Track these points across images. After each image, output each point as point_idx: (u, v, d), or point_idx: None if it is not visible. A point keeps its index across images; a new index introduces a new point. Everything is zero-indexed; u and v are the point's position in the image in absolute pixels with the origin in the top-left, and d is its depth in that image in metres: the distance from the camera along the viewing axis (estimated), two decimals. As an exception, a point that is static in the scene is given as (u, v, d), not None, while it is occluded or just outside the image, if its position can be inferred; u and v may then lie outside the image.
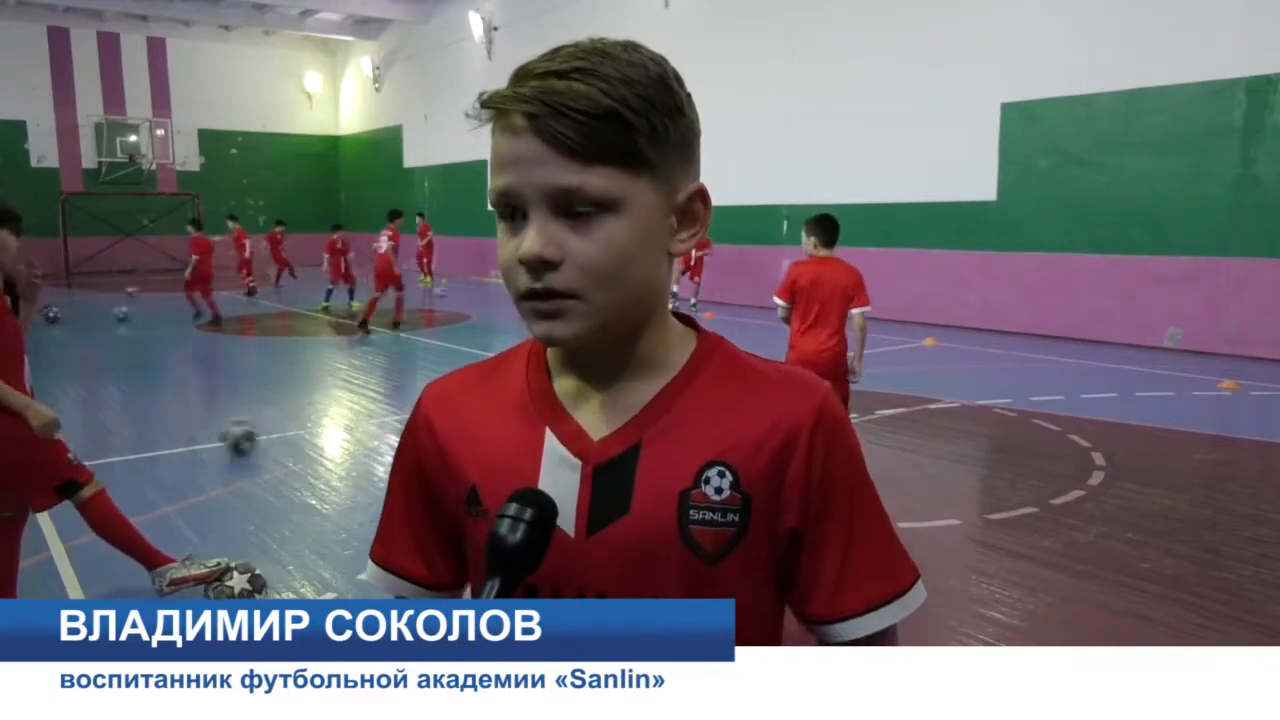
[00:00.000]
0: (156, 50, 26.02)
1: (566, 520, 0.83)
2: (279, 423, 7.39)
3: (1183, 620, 3.67)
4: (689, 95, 0.87)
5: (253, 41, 27.26)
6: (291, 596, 3.98)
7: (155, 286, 21.15)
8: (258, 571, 3.89)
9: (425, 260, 20.52)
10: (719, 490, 0.85)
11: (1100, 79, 11.07)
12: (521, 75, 0.81)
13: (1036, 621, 3.70)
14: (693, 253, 15.34)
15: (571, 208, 0.80)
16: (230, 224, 18.72)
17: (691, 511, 0.85)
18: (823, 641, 0.91)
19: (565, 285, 0.81)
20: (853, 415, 6.63)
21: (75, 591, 4.05)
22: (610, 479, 0.86)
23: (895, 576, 0.90)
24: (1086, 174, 11.37)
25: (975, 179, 12.52)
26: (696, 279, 14.99)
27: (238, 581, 3.74)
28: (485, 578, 0.76)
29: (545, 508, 0.79)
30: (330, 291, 15.97)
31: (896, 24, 13.24)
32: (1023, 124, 11.98)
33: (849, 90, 13.90)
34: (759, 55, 15.25)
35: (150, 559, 3.72)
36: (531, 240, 0.80)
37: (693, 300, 14.93)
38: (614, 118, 0.79)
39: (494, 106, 0.82)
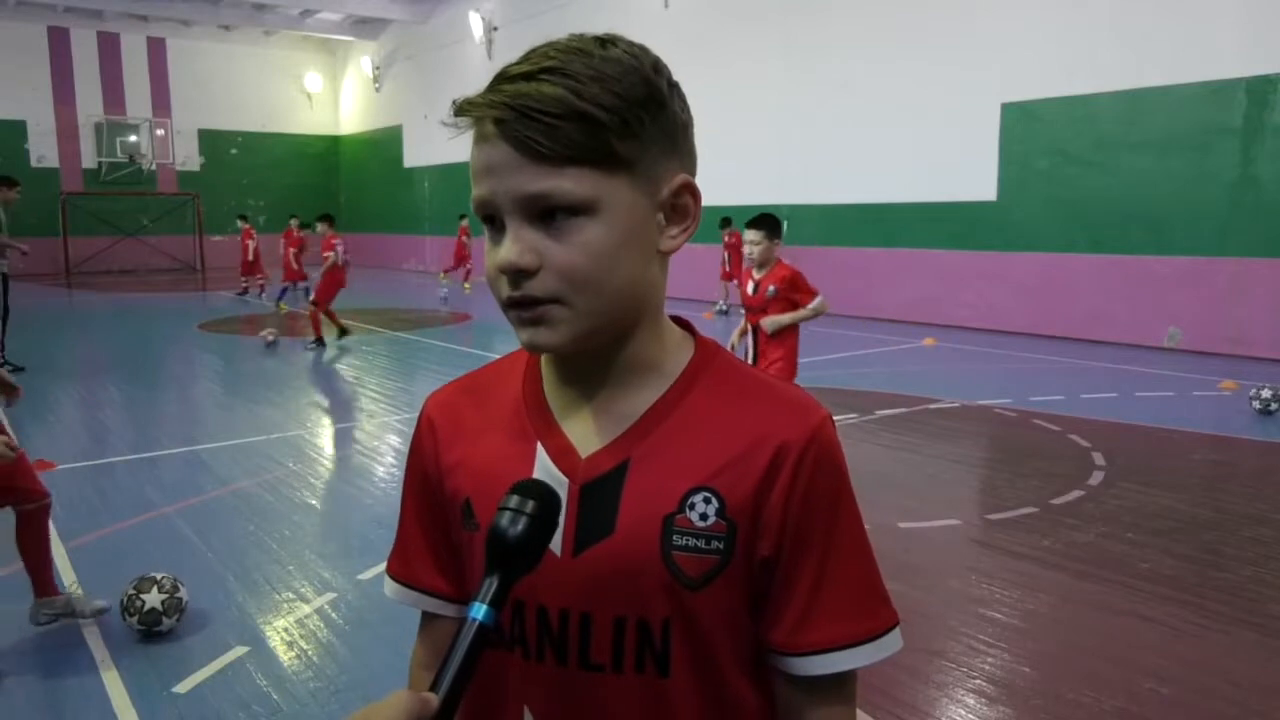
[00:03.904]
0: (156, 50, 26.02)
1: (554, 538, 0.80)
2: (279, 423, 7.39)
3: (1183, 620, 3.66)
4: (674, 86, 0.84)
5: (253, 41, 27.27)
6: (291, 596, 3.98)
7: (156, 286, 21.15)
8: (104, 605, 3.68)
9: (464, 268, 19.00)
10: (704, 517, 0.83)
11: (1100, 79, 11.07)
12: (496, 80, 0.80)
13: (1036, 621, 3.70)
14: (725, 256, 15.02)
15: (545, 213, 0.78)
16: (239, 223, 18.71)
17: (675, 537, 0.83)
18: (782, 674, 0.87)
19: (545, 292, 0.79)
20: (853, 415, 6.63)
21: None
22: (597, 498, 0.85)
23: (868, 618, 0.86)
24: (1086, 174, 11.37)
25: (975, 179, 12.52)
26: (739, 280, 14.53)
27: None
28: (484, 574, 0.74)
29: (547, 500, 0.76)
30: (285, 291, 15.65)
31: (896, 24, 13.24)
32: (1023, 124, 11.98)
33: (849, 90, 13.90)
34: (759, 55, 15.25)
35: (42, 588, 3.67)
36: (507, 249, 0.79)
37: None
38: (583, 118, 0.77)
39: (465, 114, 0.81)
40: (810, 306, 4.86)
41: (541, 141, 0.76)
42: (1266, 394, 7.20)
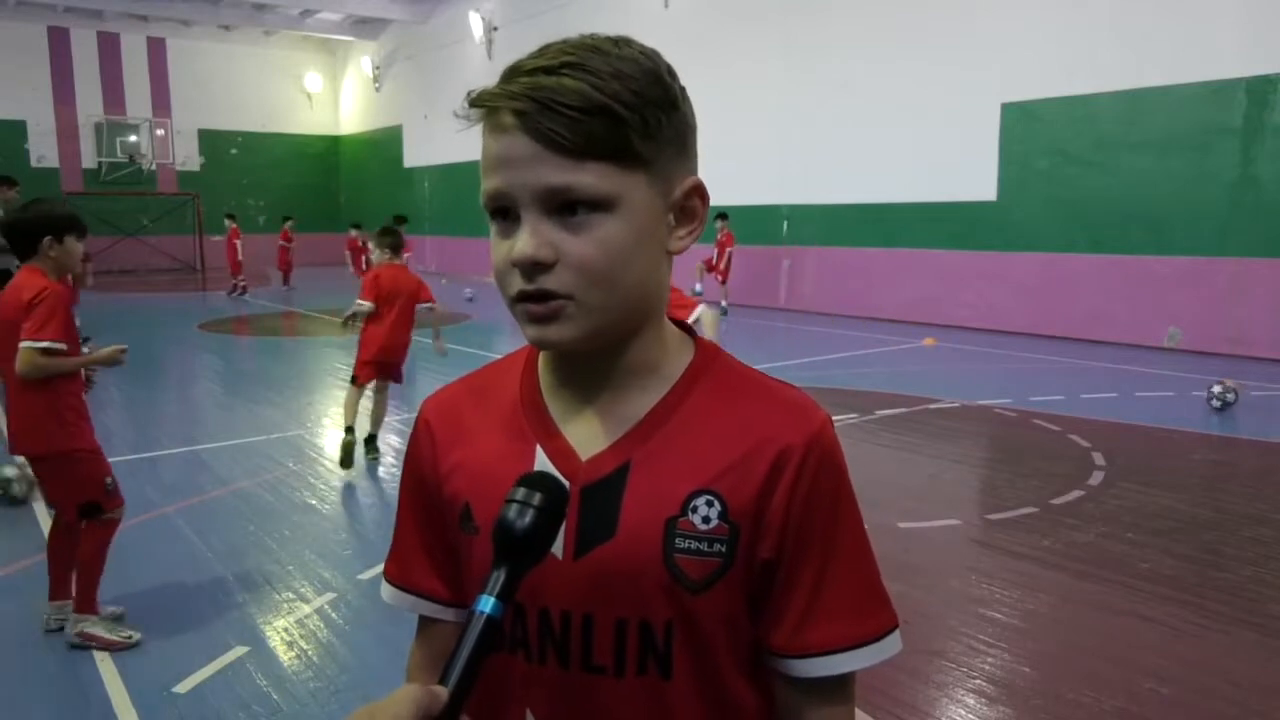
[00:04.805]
0: (156, 50, 26.02)
1: (555, 541, 0.80)
2: (279, 423, 7.39)
3: (1183, 620, 3.66)
4: (683, 89, 0.84)
5: (253, 41, 27.27)
6: (291, 596, 3.98)
7: (156, 286, 21.14)
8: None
9: None
10: (706, 520, 0.82)
11: (1100, 79, 11.07)
12: (511, 73, 0.80)
13: (1036, 621, 3.70)
14: (714, 252, 15.10)
15: (564, 207, 0.78)
16: (227, 222, 18.72)
17: (677, 539, 0.82)
18: (781, 675, 0.87)
19: (560, 287, 0.79)
20: (853, 415, 6.63)
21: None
22: (598, 501, 0.84)
23: (868, 620, 0.86)
24: (1086, 174, 11.37)
25: (975, 179, 12.52)
26: (722, 278, 14.57)
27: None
28: (491, 569, 0.73)
29: (554, 492, 0.76)
30: None
31: (896, 24, 13.24)
32: (1023, 124, 11.98)
33: (849, 90, 13.90)
34: (759, 55, 15.25)
35: (82, 602, 3.50)
36: (524, 242, 0.78)
37: (723, 303, 14.45)
38: (605, 113, 0.77)
39: (483, 105, 0.80)
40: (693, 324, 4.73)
41: (565, 135, 0.76)
42: (1217, 407, 7.24)
